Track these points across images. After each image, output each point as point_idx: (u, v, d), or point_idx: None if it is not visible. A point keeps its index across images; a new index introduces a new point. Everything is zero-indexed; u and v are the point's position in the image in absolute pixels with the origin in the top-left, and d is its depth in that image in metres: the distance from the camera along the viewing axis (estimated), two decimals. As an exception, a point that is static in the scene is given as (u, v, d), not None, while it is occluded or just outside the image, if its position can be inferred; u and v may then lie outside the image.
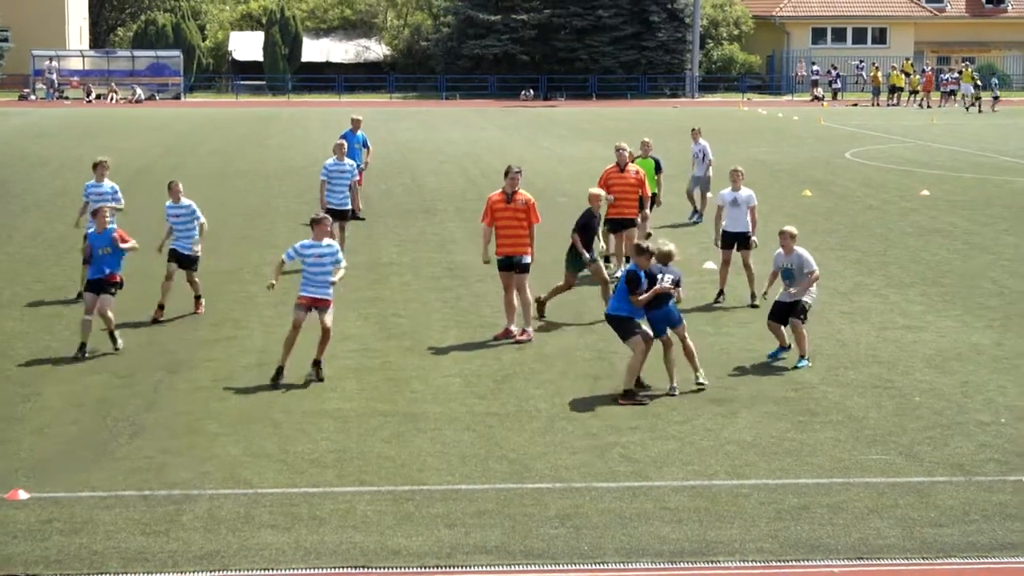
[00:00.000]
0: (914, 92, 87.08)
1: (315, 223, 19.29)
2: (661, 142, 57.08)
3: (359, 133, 34.96)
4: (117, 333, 20.63)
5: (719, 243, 23.89)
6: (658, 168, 29.47)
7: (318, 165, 46.72)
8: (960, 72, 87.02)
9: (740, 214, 23.60)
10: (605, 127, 65.92)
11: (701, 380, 18.30)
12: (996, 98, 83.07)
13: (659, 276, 17.95)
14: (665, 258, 18.15)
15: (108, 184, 25.05)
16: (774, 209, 35.29)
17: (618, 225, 25.64)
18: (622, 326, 18.08)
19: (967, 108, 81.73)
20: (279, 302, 23.83)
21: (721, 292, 23.83)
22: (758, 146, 55.03)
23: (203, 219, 23.11)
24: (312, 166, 46.32)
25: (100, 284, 20.61)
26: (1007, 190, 40.44)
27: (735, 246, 23.67)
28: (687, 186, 34.47)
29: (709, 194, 33.22)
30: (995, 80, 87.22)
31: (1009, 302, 24.11)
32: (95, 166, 25.01)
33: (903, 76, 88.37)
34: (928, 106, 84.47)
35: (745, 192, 23.69)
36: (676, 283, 18.13)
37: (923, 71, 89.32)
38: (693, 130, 34.73)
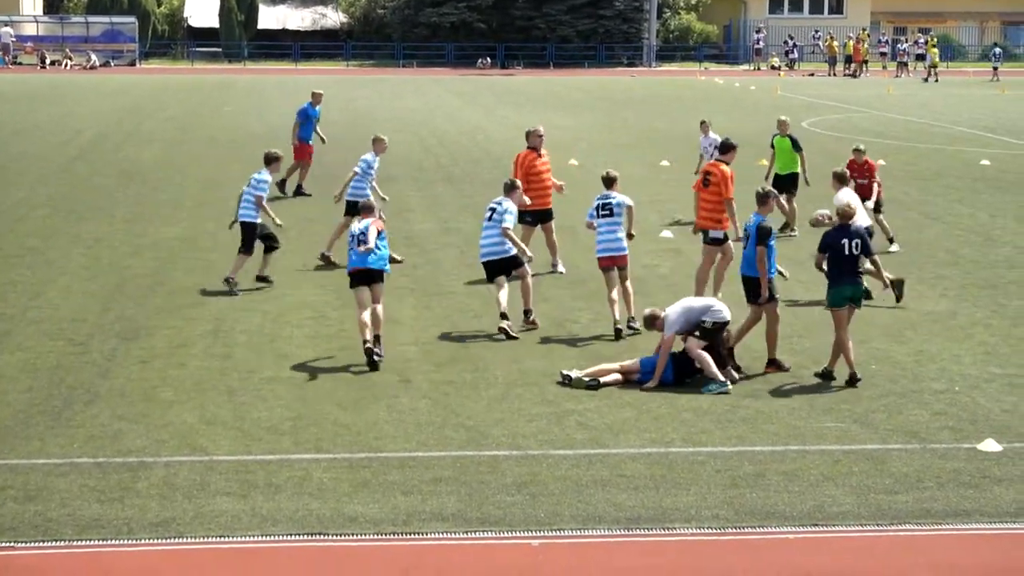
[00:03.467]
0: (863, 61, 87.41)
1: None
2: (617, 111, 57.24)
3: (318, 108, 33.87)
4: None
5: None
6: (796, 146, 28.37)
7: (275, 132, 46.64)
8: (926, 42, 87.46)
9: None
10: (562, 96, 65.87)
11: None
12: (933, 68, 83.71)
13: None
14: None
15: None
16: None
17: (541, 218, 23.72)
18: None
19: (925, 79, 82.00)
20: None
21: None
22: (715, 116, 55.00)
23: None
24: (268, 133, 46.15)
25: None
26: (960, 160, 40.64)
27: None
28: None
29: None
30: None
31: (964, 272, 24.25)
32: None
33: (866, 48, 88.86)
34: (856, 75, 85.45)
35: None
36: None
37: (857, 39, 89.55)
38: (702, 123, 31.82)
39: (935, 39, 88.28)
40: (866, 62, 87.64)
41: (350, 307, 21.08)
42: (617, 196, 20.21)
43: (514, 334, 19.42)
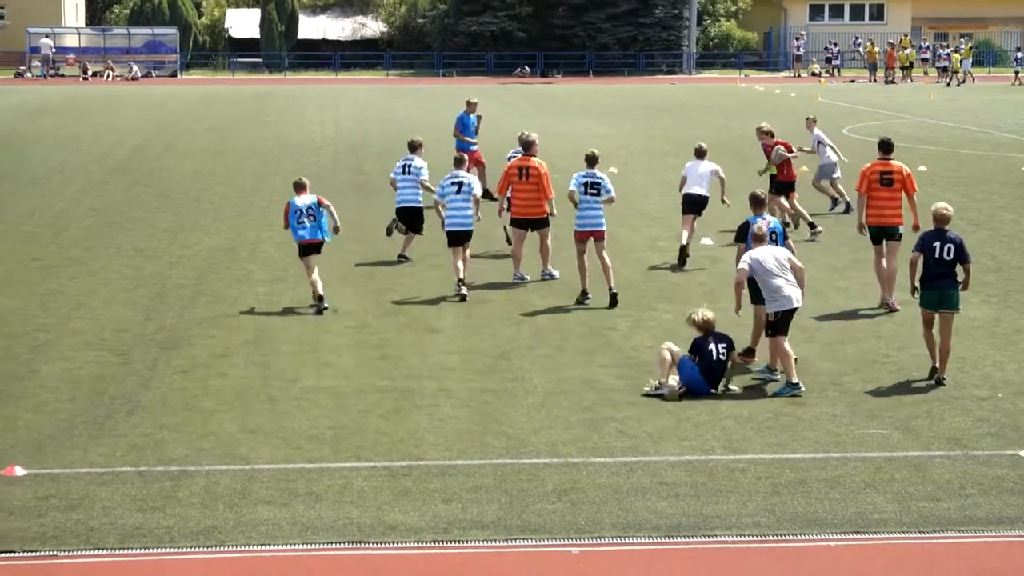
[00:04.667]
0: (904, 68, 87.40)
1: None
2: (657, 119, 57.17)
3: (473, 116, 33.26)
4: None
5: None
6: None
7: (314, 143, 46.84)
8: (958, 49, 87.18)
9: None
10: (601, 104, 65.85)
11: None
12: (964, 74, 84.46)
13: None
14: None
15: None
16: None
17: (533, 225, 23.47)
18: None
19: (955, 84, 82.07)
20: (275, 279, 23.86)
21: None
22: (755, 122, 54.86)
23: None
24: (307, 144, 46.34)
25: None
26: (1003, 166, 40.40)
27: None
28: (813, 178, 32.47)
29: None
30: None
31: (1007, 278, 24.10)
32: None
33: (913, 52, 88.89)
34: (893, 81, 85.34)
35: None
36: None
37: (889, 45, 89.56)
38: (808, 119, 32.43)
39: (969, 45, 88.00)
40: (911, 66, 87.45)
41: (392, 316, 21.17)
42: (602, 175, 22.00)
43: (465, 293, 22.17)
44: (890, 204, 21.59)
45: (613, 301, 21.63)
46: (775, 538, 12.67)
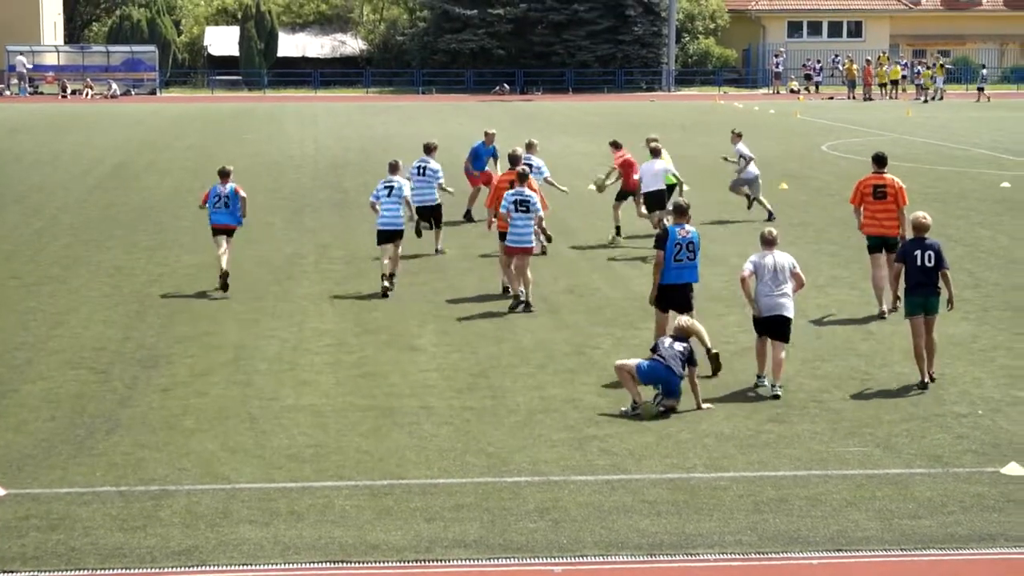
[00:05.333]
0: (882, 84, 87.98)
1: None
2: (636, 136, 57.16)
3: (492, 146, 33.35)
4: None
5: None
6: None
7: (294, 160, 46.79)
8: (931, 66, 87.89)
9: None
10: (581, 121, 65.93)
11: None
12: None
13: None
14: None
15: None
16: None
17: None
18: None
19: (927, 100, 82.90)
20: (255, 297, 23.82)
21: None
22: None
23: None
24: (287, 161, 46.29)
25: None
26: (981, 182, 40.56)
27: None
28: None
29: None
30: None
31: (984, 294, 24.17)
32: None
33: (897, 68, 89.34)
34: (870, 98, 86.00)
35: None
36: None
37: (867, 62, 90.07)
38: (732, 133, 33.73)
39: (940, 63, 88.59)
40: (897, 83, 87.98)
41: (370, 334, 21.15)
42: (531, 193, 22.79)
43: (388, 286, 23.81)
44: (886, 216, 22.38)
45: (527, 307, 22.58)
46: (757, 556, 12.67)
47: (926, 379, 18.09)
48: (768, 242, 18.31)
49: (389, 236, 24.18)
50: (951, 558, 12.68)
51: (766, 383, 17.98)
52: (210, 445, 15.73)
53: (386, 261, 24.15)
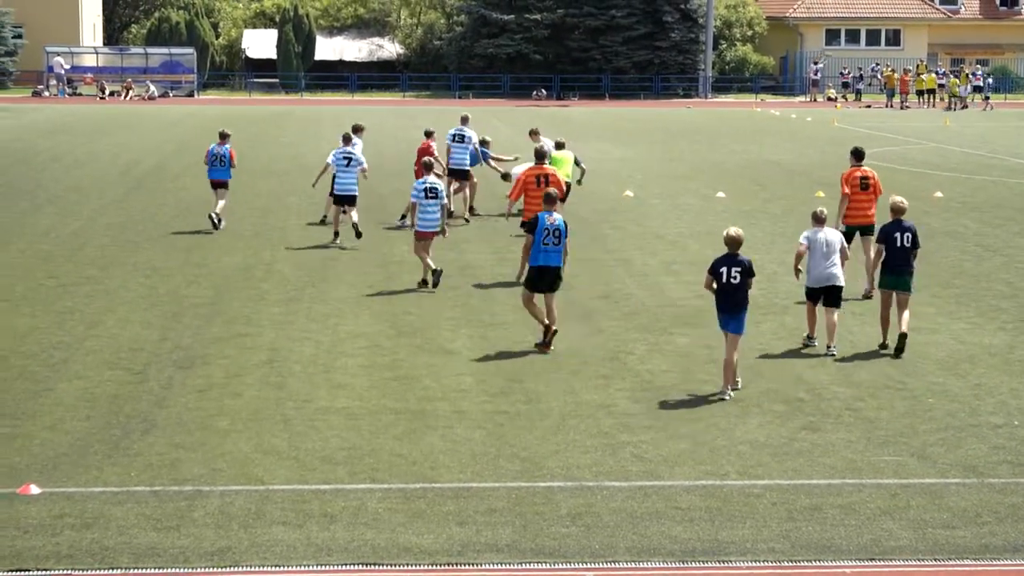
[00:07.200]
0: (920, 93, 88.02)
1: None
2: (672, 143, 57.21)
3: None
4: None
5: None
6: (576, 162, 32.06)
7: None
8: (956, 75, 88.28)
9: None
10: (617, 127, 65.89)
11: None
12: (987, 98, 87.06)
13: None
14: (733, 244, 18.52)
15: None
16: (787, 211, 35.32)
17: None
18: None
19: (956, 109, 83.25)
20: (290, 299, 23.89)
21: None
22: (772, 147, 55.00)
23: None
24: (323, 165, 46.26)
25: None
26: (1019, 192, 40.36)
27: None
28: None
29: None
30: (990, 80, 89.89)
31: (1022, 304, 24.05)
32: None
33: (933, 77, 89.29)
34: (907, 106, 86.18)
35: None
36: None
37: (904, 71, 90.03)
38: (530, 132, 34.57)
39: (965, 73, 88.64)
40: (934, 91, 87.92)
41: (405, 337, 21.18)
42: (438, 182, 25.09)
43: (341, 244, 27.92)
44: (869, 205, 25.08)
45: (435, 282, 24.74)
46: (790, 564, 12.64)
47: (886, 341, 20.41)
48: (820, 220, 20.59)
49: (347, 200, 29.36)
50: (985, 569, 12.62)
51: (815, 343, 20.42)
52: (244, 446, 15.78)
53: (341, 217, 29.51)
